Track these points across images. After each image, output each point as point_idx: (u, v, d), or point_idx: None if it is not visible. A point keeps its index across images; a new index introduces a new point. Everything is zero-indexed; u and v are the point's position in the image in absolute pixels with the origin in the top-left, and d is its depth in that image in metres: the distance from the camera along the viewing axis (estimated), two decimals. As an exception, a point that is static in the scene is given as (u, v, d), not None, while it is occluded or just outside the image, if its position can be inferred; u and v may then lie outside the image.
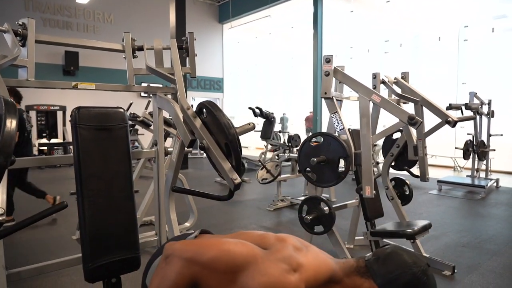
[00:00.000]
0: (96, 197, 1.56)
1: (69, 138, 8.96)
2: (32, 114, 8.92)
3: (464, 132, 6.46)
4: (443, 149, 8.00)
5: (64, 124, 9.40)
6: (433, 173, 2.97)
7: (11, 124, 1.00)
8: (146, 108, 5.33)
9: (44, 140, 9.02)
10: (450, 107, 5.32)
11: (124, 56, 2.00)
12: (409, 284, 0.99)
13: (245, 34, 14.21)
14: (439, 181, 6.10)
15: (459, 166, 8.16)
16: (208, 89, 14.41)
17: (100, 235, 1.54)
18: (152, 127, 5.30)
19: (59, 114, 9.42)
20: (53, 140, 9.15)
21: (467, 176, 6.53)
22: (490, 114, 6.35)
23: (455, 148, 6.93)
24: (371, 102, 2.34)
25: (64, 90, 1.86)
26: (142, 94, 11.69)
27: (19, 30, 1.71)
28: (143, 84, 2.30)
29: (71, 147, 1.56)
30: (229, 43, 14.73)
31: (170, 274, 0.98)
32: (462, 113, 5.51)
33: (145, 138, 7.86)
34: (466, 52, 8.74)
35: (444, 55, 9.00)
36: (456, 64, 8.91)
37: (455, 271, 2.86)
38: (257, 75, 14.29)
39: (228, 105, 14.64)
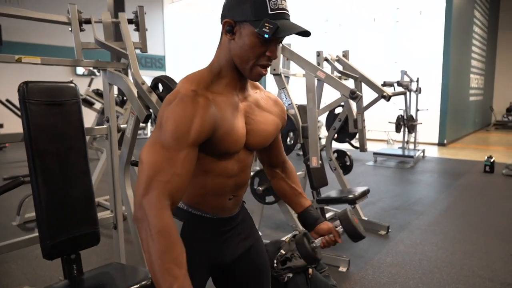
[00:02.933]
0: (51, 174, 1.53)
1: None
2: None
3: (396, 108, 7.02)
4: (378, 124, 8.63)
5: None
6: (369, 146, 3.26)
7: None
8: (89, 86, 5.04)
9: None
10: (384, 84, 5.75)
11: (70, 29, 1.91)
12: None
13: (187, 10, 13.76)
14: (374, 153, 6.64)
15: (391, 139, 8.88)
16: (149, 67, 13.85)
17: (57, 211, 1.52)
18: (95, 106, 5.07)
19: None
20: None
21: (399, 148, 7.17)
22: (418, 90, 6.98)
23: (389, 122, 7.53)
24: (316, 78, 2.50)
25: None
26: (78, 72, 10.96)
27: None
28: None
29: (21, 123, 1.49)
30: (171, 20, 14.20)
31: None
32: (395, 90, 5.99)
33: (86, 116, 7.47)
34: (398, 33, 9.38)
35: (379, 35, 9.57)
36: (390, 44, 9.54)
37: (389, 230, 3.22)
38: (200, 53, 14.02)
39: (171, 84, 14.22)
